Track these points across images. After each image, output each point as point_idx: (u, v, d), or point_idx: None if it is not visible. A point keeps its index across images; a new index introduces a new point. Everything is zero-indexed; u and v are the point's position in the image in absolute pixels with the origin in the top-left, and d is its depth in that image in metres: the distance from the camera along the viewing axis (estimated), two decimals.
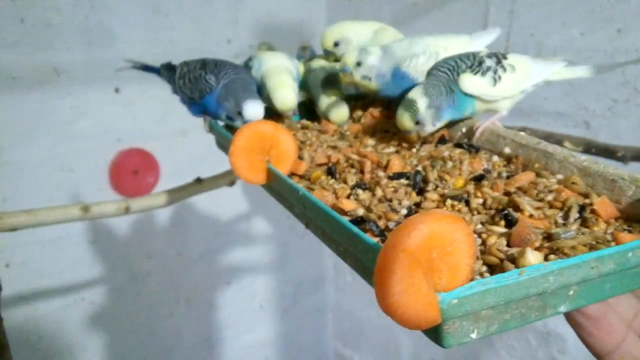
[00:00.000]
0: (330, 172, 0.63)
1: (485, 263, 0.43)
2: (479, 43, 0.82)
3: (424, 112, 0.68)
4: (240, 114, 0.76)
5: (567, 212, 0.49)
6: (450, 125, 0.75)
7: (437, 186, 0.57)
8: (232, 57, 0.93)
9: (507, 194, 0.54)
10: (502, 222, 0.48)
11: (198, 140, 1.33)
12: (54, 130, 1.44)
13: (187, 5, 1.59)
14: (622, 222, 0.49)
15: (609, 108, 1.22)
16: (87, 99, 1.47)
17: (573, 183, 0.55)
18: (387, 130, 0.77)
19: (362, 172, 0.63)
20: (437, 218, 0.35)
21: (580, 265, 0.38)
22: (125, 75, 1.48)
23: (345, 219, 0.47)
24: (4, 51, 1.33)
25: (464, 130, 0.74)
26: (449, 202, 0.53)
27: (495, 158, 0.65)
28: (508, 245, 0.45)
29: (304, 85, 0.89)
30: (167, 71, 0.90)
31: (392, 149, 0.71)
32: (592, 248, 0.43)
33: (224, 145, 0.81)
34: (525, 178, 0.56)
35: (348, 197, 0.57)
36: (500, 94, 0.71)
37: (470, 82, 0.69)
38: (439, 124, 0.70)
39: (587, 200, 0.51)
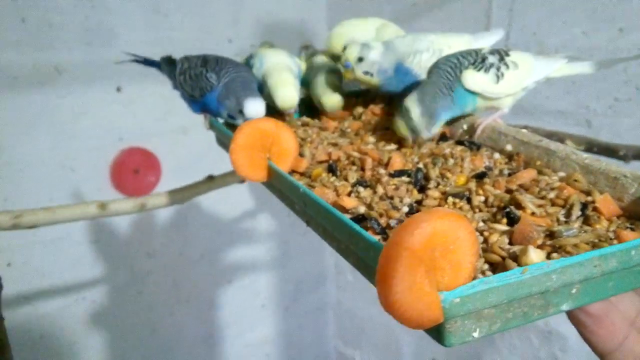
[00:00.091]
0: (331, 170, 0.63)
1: (487, 261, 0.43)
2: (481, 43, 0.82)
3: (418, 120, 0.68)
4: (241, 112, 0.76)
5: (569, 209, 0.49)
6: (452, 122, 0.75)
7: (438, 184, 0.57)
8: (232, 57, 0.92)
9: (508, 191, 0.54)
10: (504, 220, 0.48)
11: (199, 139, 1.33)
12: (55, 129, 1.44)
13: (187, 5, 1.59)
14: (625, 220, 0.49)
15: (611, 107, 1.22)
16: (88, 98, 1.47)
17: (575, 181, 0.54)
18: (388, 127, 0.76)
19: (363, 169, 0.63)
20: (440, 216, 0.35)
21: (583, 263, 0.38)
22: (126, 74, 1.49)
23: (347, 217, 0.47)
24: (5, 51, 1.33)
25: (465, 127, 0.74)
26: (450, 199, 0.53)
27: (497, 155, 0.65)
28: (510, 243, 0.45)
29: (305, 81, 0.89)
30: (168, 66, 0.89)
31: (393, 146, 0.70)
32: (594, 246, 0.43)
33: (224, 142, 0.81)
34: (527, 175, 0.56)
35: (349, 194, 0.57)
36: (502, 91, 0.70)
37: (473, 78, 0.68)
38: (435, 129, 0.70)
39: (589, 198, 0.51)
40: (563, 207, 0.50)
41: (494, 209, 0.51)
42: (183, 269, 1.79)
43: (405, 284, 0.34)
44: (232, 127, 0.77)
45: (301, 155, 0.67)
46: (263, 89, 0.82)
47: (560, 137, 0.98)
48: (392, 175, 0.59)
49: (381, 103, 0.84)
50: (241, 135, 0.63)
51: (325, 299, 2.26)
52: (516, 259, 0.41)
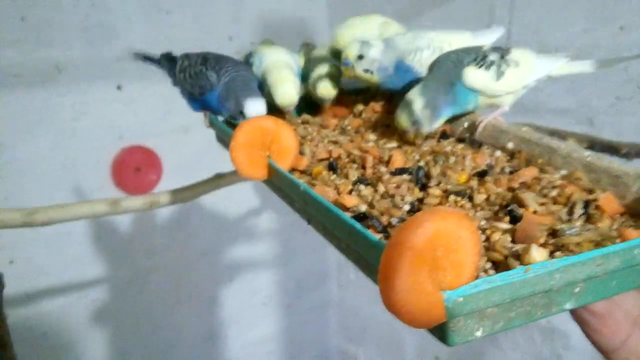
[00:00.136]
0: (332, 168, 0.63)
1: (489, 260, 0.43)
2: (481, 41, 0.81)
3: (420, 112, 0.67)
4: (242, 113, 0.76)
5: (572, 208, 0.49)
6: (453, 120, 0.74)
7: (439, 182, 0.56)
8: (233, 55, 0.92)
9: (510, 189, 0.53)
10: (507, 218, 0.48)
11: (200, 137, 1.33)
12: (55, 128, 1.44)
13: (188, 2, 1.59)
14: (627, 218, 0.49)
15: (613, 105, 1.22)
16: (89, 96, 1.47)
17: (577, 179, 0.54)
18: (389, 124, 0.76)
19: (363, 167, 0.62)
20: (442, 216, 0.35)
21: (586, 262, 0.38)
22: (126, 73, 1.49)
23: (348, 215, 0.47)
24: (6, 49, 1.33)
25: (466, 125, 0.74)
26: (452, 197, 0.52)
27: (498, 153, 0.65)
28: (512, 241, 0.44)
29: (304, 76, 0.89)
30: (168, 62, 0.89)
31: (394, 144, 0.70)
32: (597, 244, 0.43)
33: (224, 140, 0.80)
34: (528, 173, 0.55)
35: (350, 192, 0.56)
36: (503, 89, 0.70)
37: (474, 76, 0.68)
38: (437, 123, 0.70)
39: (592, 196, 0.51)
40: (565, 205, 0.50)
41: (496, 207, 0.50)
42: (185, 266, 1.79)
43: (408, 283, 0.34)
44: (232, 125, 0.77)
45: (301, 153, 0.67)
46: (263, 87, 0.82)
47: (562, 136, 0.97)
48: (393, 174, 0.59)
49: (382, 100, 0.84)
50: (241, 133, 0.62)
51: (327, 297, 2.26)
52: (519, 257, 0.41)
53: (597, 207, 0.49)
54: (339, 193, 0.56)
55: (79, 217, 0.92)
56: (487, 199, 0.52)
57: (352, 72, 0.80)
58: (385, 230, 0.48)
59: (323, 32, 1.92)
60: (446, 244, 0.35)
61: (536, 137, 0.63)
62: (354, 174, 0.60)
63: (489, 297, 0.36)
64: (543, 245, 0.43)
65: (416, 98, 0.67)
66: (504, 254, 0.42)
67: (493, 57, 0.69)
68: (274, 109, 0.83)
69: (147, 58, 0.95)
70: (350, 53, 0.78)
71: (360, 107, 0.84)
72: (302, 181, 0.57)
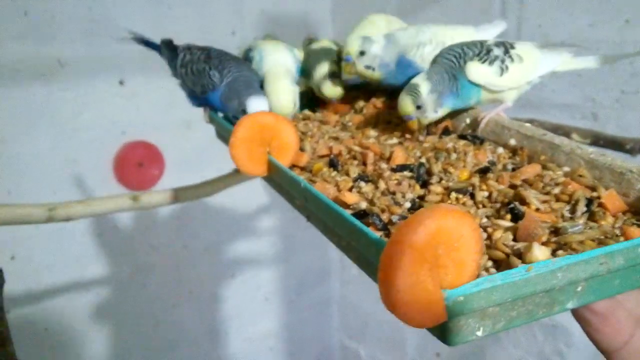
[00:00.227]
0: (332, 164, 0.62)
1: (490, 258, 0.42)
2: (484, 35, 0.80)
3: (426, 96, 0.66)
4: (245, 112, 0.76)
5: (574, 205, 0.48)
6: (454, 115, 0.74)
7: (441, 179, 0.56)
8: (236, 49, 0.92)
9: (512, 186, 0.53)
10: (508, 216, 0.47)
11: (202, 132, 1.33)
12: (58, 122, 1.43)
13: None
14: (631, 216, 0.48)
15: (617, 100, 1.21)
16: (91, 91, 1.47)
17: (580, 176, 0.53)
18: (390, 121, 0.76)
19: (364, 164, 0.62)
20: (444, 213, 0.35)
21: (589, 261, 0.38)
22: (129, 68, 1.49)
23: (348, 212, 0.46)
24: (8, 44, 1.33)
25: (468, 121, 0.73)
26: (453, 195, 0.52)
27: (500, 150, 0.64)
28: (514, 239, 0.44)
29: (304, 70, 0.88)
30: (168, 51, 0.89)
31: (395, 140, 0.70)
32: (600, 243, 0.43)
33: (224, 136, 0.80)
34: (531, 170, 0.55)
35: (350, 189, 0.56)
36: (506, 84, 0.69)
37: (477, 70, 0.67)
38: (440, 111, 0.69)
39: (595, 194, 0.50)
40: (568, 202, 0.49)
41: (498, 205, 0.50)
42: (187, 262, 1.79)
43: (408, 282, 0.34)
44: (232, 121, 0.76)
45: (302, 149, 0.67)
46: (264, 86, 0.82)
47: (566, 131, 0.97)
48: (394, 170, 0.58)
49: (383, 96, 0.83)
50: (241, 128, 0.62)
51: (329, 293, 2.26)
52: (521, 256, 0.41)
53: (600, 205, 0.49)
54: (339, 190, 0.55)
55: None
56: (489, 197, 0.51)
57: (353, 69, 0.79)
58: (385, 227, 0.47)
59: (326, 26, 1.92)
60: (447, 242, 0.35)
61: (539, 133, 0.62)
62: (354, 171, 0.60)
63: (490, 296, 0.35)
64: (545, 243, 0.43)
65: (422, 82, 0.67)
66: (505, 252, 0.42)
67: (497, 52, 0.69)
68: None
69: (146, 43, 0.94)
70: (352, 49, 0.77)
71: (361, 103, 0.84)
72: (302, 178, 0.56)
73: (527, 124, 0.66)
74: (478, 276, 0.36)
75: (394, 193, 0.53)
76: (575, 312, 0.46)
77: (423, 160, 0.61)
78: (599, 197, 0.49)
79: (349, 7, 1.87)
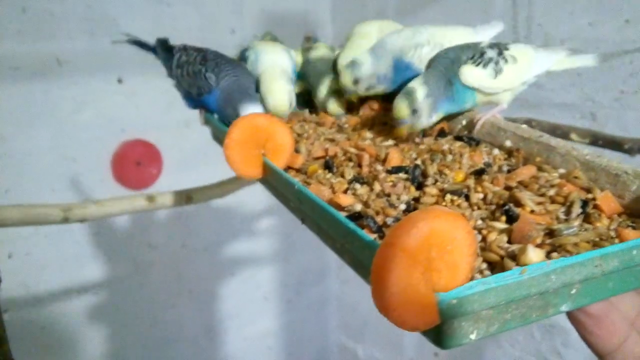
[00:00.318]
0: (328, 166, 0.62)
1: (485, 260, 0.42)
2: (482, 36, 0.80)
3: (422, 100, 0.66)
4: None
5: (570, 207, 0.48)
6: (450, 117, 0.74)
7: (436, 180, 0.56)
8: (236, 48, 0.92)
9: (508, 188, 0.53)
10: (503, 218, 0.47)
11: (201, 132, 1.33)
12: (56, 120, 1.43)
13: None
14: (626, 218, 0.48)
15: (616, 99, 1.21)
16: (90, 89, 1.47)
17: (575, 177, 0.53)
18: (386, 122, 0.75)
19: (360, 165, 0.61)
20: (437, 215, 0.35)
21: (583, 263, 0.37)
22: (128, 66, 1.48)
23: (342, 215, 0.46)
24: (6, 41, 1.33)
25: (464, 122, 0.73)
26: (448, 197, 0.52)
27: (496, 151, 0.64)
28: (509, 241, 0.44)
29: (302, 75, 0.88)
30: (164, 51, 0.89)
31: (390, 142, 0.69)
32: (595, 245, 0.42)
33: (219, 138, 0.80)
34: (526, 172, 0.54)
35: (345, 191, 0.55)
36: (501, 86, 0.69)
37: (471, 74, 0.67)
38: (435, 117, 0.68)
39: (590, 195, 0.50)
40: (563, 204, 0.49)
41: (493, 207, 0.50)
42: (186, 261, 1.79)
43: (401, 285, 0.33)
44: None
45: (297, 151, 0.66)
46: (259, 88, 0.82)
47: (565, 130, 0.97)
48: (389, 172, 0.58)
49: (379, 98, 0.83)
50: (236, 130, 0.62)
51: (327, 292, 2.26)
52: (515, 258, 0.40)
53: (596, 207, 0.48)
54: (334, 192, 0.55)
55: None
56: (484, 198, 0.51)
57: (356, 95, 0.80)
58: (380, 230, 0.47)
59: (326, 25, 1.92)
60: (441, 244, 0.35)
61: (535, 135, 0.62)
62: (349, 173, 0.59)
63: (484, 299, 0.35)
64: (540, 245, 0.42)
65: (419, 87, 0.66)
66: (500, 254, 0.42)
67: (491, 54, 0.68)
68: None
69: (142, 45, 0.94)
70: (346, 82, 0.78)
71: (357, 105, 0.83)
72: (297, 180, 0.56)
73: (523, 126, 0.65)
74: (472, 279, 0.36)
75: (389, 195, 0.53)
76: (570, 315, 0.46)
77: (419, 162, 0.61)
78: (594, 199, 0.49)
79: (349, 6, 1.87)
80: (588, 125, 1.17)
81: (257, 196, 1.89)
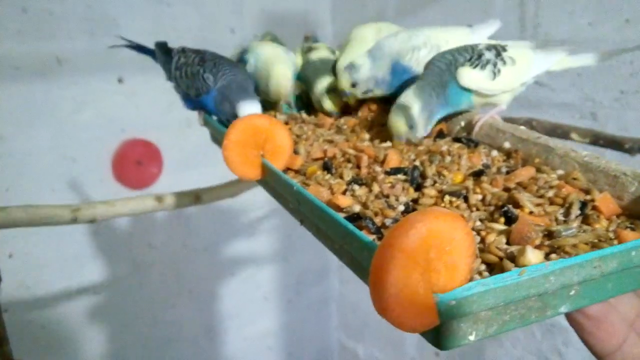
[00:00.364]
0: (326, 167, 0.62)
1: (484, 261, 0.42)
2: (479, 36, 0.80)
3: (418, 116, 0.66)
4: (236, 116, 0.75)
5: (568, 208, 0.48)
6: (449, 118, 0.73)
7: (435, 182, 0.56)
8: (236, 47, 0.92)
9: (506, 189, 0.53)
10: (502, 219, 0.47)
11: (201, 132, 1.33)
12: (56, 120, 1.43)
13: None
14: (625, 219, 0.48)
15: (617, 99, 1.21)
16: (90, 89, 1.47)
17: (574, 179, 0.53)
18: (385, 124, 0.75)
19: (358, 167, 0.61)
20: (435, 216, 0.34)
21: (582, 264, 0.37)
22: (128, 66, 1.48)
23: (341, 216, 0.46)
24: (6, 41, 1.33)
25: (462, 124, 0.73)
26: (447, 198, 0.52)
27: (495, 153, 0.64)
28: (507, 243, 0.44)
29: (301, 77, 0.88)
30: (163, 55, 0.89)
31: (389, 144, 0.69)
32: (594, 246, 0.42)
33: (218, 139, 0.80)
34: (525, 173, 0.54)
35: (344, 192, 0.55)
36: (499, 88, 0.69)
37: (468, 76, 0.67)
38: (431, 126, 0.69)
39: (589, 197, 0.50)
40: (562, 206, 0.49)
41: (492, 208, 0.50)
42: (185, 260, 1.79)
43: (399, 286, 0.33)
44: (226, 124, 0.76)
45: (296, 152, 0.66)
46: (257, 87, 0.82)
47: (565, 130, 0.96)
48: (388, 173, 0.58)
49: (377, 99, 0.83)
50: (234, 131, 0.62)
51: (328, 292, 2.26)
52: (514, 259, 0.40)
53: (594, 208, 0.48)
54: (332, 193, 0.55)
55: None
56: (483, 200, 0.51)
57: (354, 98, 0.80)
58: (379, 231, 0.47)
59: (326, 25, 1.92)
60: (439, 245, 0.34)
61: (533, 136, 0.62)
62: (348, 174, 0.59)
63: (483, 300, 0.35)
64: (538, 246, 0.42)
65: (413, 102, 0.66)
66: (498, 255, 0.42)
67: (489, 55, 0.68)
68: (268, 107, 0.82)
69: (140, 48, 0.94)
70: (344, 85, 0.78)
71: (355, 106, 0.83)
72: (296, 181, 0.56)
73: (522, 127, 0.65)
74: (471, 280, 0.36)
75: (387, 196, 0.53)
76: (569, 316, 0.46)
77: (417, 163, 0.61)
78: (593, 200, 0.49)
79: (349, 6, 1.87)
80: (588, 125, 1.17)
81: (257, 196, 1.89)
